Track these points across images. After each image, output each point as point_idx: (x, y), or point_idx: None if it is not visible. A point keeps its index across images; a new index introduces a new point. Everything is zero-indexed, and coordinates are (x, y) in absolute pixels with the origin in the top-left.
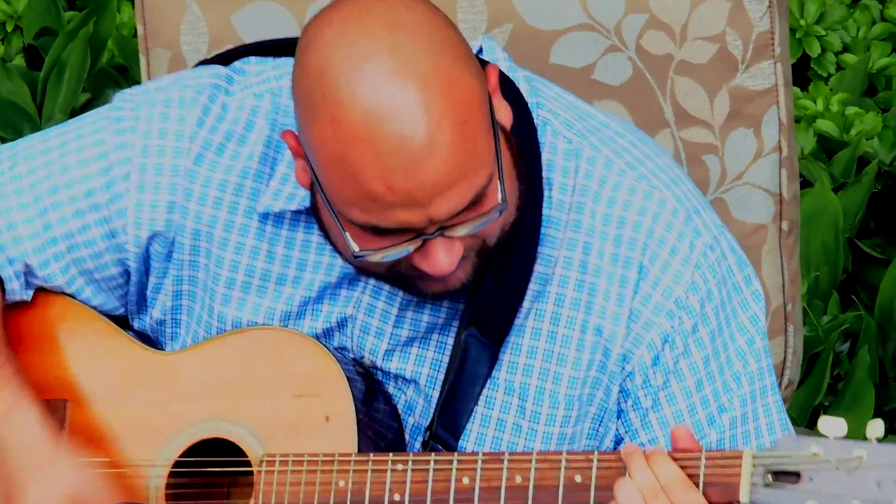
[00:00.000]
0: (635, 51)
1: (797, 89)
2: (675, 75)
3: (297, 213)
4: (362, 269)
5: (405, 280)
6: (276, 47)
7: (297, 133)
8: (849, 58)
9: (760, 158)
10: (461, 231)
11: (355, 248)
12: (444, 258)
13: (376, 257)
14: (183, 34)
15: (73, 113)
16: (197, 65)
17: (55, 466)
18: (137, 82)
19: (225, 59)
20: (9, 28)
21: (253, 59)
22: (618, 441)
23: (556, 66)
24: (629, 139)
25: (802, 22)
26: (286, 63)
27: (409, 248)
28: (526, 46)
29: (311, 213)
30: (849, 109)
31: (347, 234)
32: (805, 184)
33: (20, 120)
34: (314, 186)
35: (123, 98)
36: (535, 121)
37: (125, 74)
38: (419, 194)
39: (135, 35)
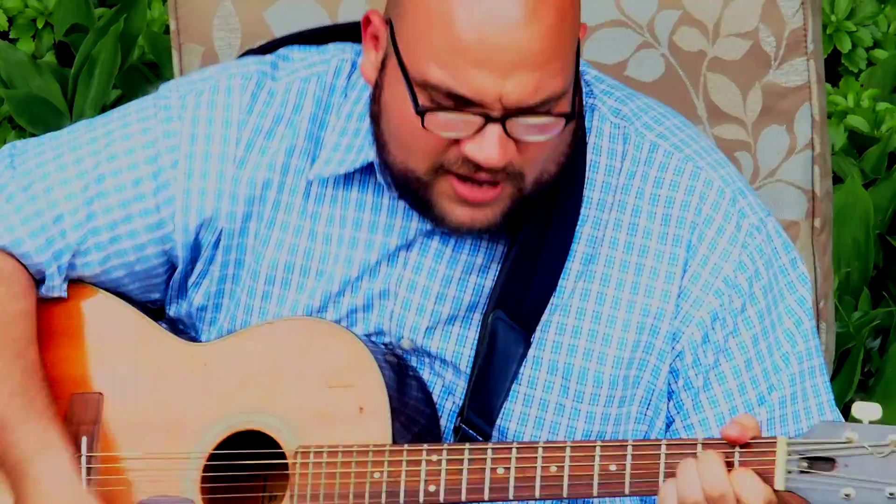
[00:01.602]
0: (668, 47)
1: (828, 85)
2: (707, 72)
3: (339, 186)
4: (405, 174)
5: (435, 199)
6: (318, 35)
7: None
8: (879, 53)
9: (793, 155)
10: (523, 128)
11: (420, 104)
12: (496, 149)
13: (437, 115)
14: (215, 29)
15: (104, 110)
16: (241, 55)
17: None
18: (168, 78)
19: (267, 49)
20: (39, 25)
21: (296, 47)
22: (669, 423)
23: (590, 62)
24: (674, 122)
25: (833, 18)
26: (330, 49)
27: (471, 119)
28: None
29: (370, 111)
30: (879, 105)
31: (417, 92)
32: (836, 180)
33: (51, 116)
34: (384, 65)
35: (169, 88)
36: (583, 106)
37: (156, 71)
38: (506, 58)
39: (166, 31)
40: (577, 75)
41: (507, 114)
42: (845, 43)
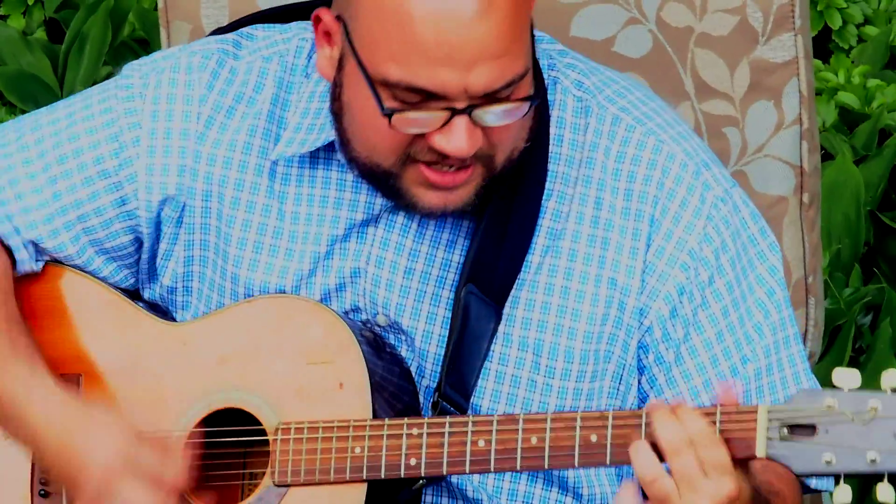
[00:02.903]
0: (655, 23)
1: (819, 62)
2: (695, 48)
3: (304, 165)
4: (371, 168)
5: (406, 187)
6: (282, 14)
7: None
8: (870, 30)
9: (781, 131)
10: (489, 116)
11: (385, 105)
12: (465, 139)
13: (403, 116)
14: (203, 7)
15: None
16: (210, 34)
17: (104, 429)
18: None
19: (232, 30)
20: (30, 1)
21: (260, 25)
22: (642, 399)
23: (577, 39)
24: (637, 95)
25: None
26: (293, 27)
27: (436, 115)
28: (546, 19)
29: (331, 108)
30: (870, 82)
31: (379, 92)
32: (827, 156)
33: (41, 93)
34: (341, 62)
35: (131, 68)
36: (545, 80)
37: (146, 47)
38: (466, 53)
39: (156, 8)
40: (533, 49)
41: (473, 104)
42: (836, 19)
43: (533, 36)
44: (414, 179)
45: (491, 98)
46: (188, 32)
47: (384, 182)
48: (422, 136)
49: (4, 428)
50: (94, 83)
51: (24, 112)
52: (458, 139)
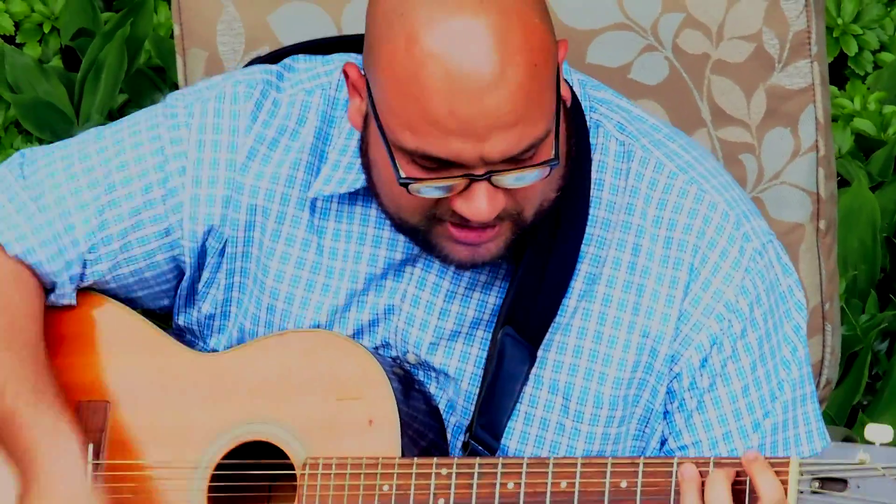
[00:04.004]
0: (672, 50)
1: (834, 88)
2: (711, 75)
3: (343, 201)
4: (400, 223)
5: (435, 241)
6: (323, 45)
7: (359, 66)
8: (886, 56)
9: (797, 158)
10: (508, 180)
11: (402, 172)
12: (485, 204)
13: (420, 186)
14: (219, 34)
15: (111, 114)
16: (247, 64)
17: None
18: (174, 83)
19: (272, 59)
20: (46, 29)
21: (301, 56)
22: (662, 442)
23: (593, 66)
24: (679, 143)
25: (839, 20)
26: (335, 59)
27: (454, 183)
28: None
29: (361, 160)
30: (886, 108)
31: (396, 160)
32: (842, 183)
33: (57, 121)
34: (367, 118)
35: (175, 97)
36: (587, 123)
37: (162, 75)
38: (479, 125)
39: (171, 36)
40: (559, 97)
41: (491, 170)
42: (851, 46)
43: (559, 92)
44: (442, 234)
45: (511, 161)
46: (204, 60)
47: (414, 235)
48: (445, 198)
49: (17, 469)
50: (111, 111)
51: (40, 140)
52: (478, 204)
